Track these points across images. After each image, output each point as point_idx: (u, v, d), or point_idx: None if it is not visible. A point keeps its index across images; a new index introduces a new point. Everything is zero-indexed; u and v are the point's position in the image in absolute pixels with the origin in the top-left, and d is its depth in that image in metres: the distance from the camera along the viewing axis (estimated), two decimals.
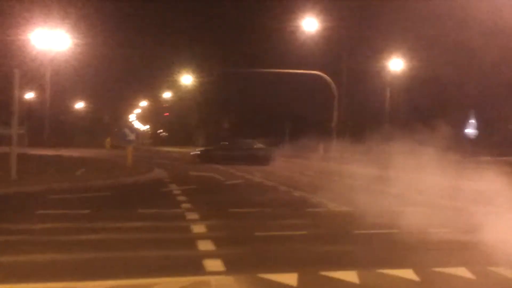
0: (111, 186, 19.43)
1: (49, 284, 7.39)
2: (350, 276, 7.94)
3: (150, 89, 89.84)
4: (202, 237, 10.55)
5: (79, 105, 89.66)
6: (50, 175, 21.78)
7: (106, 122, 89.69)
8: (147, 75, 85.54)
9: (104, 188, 18.74)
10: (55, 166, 25.84)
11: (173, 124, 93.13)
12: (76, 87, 73.77)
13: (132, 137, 27.99)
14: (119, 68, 74.80)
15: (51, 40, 46.37)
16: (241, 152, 35.85)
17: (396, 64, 47.41)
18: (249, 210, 14.32)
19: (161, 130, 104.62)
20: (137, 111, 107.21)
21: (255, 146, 37.08)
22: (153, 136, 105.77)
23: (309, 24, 41.16)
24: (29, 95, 64.12)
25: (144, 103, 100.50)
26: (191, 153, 39.28)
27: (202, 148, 40.03)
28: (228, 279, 7.77)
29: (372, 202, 15.02)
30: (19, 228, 11.22)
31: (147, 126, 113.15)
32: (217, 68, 59.11)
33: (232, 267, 8.29)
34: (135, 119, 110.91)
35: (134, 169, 25.80)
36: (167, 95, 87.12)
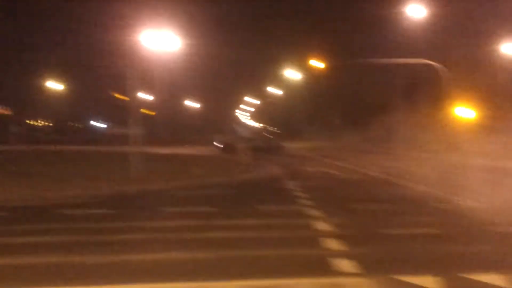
0: (228, 183, 19.50)
1: (172, 285, 7.30)
2: (495, 279, 7.28)
3: (260, 86, 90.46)
4: (325, 235, 10.20)
5: (190, 103, 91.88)
6: (170, 173, 22.23)
7: (216, 120, 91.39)
8: (257, 72, 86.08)
9: (221, 185, 18.83)
10: (172, 164, 26.41)
11: (282, 120, 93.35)
12: (187, 86, 75.60)
13: (244, 134, 28.13)
14: (228, 66, 75.81)
15: (161, 41, 47.77)
16: (260, 144, 39.90)
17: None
18: (371, 206, 13.80)
19: (272, 127, 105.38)
20: (248, 108, 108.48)
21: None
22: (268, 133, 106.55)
23: (414, 11, 39.31)
24: (143, 95, 66.30)
25: (254, 100, 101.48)
26: (215, 143, 42.12)
27: (224, 141, 43.32)
28: (361, 281, 7.34)
29: (506, 197, 14.05)
30: (143, 226, 11.37)
31: (257, 124, 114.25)
32: (325, 60, 58.38)
33: (364, 267, 7.86)
34: (247, 116, 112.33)
35: (249, 166, 25.87)
36: (273, 90, 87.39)
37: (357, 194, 16.67)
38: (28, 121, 78.92)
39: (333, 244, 9.38)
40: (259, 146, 41.89)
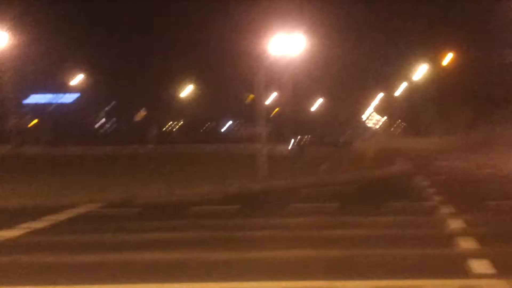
0: (356, 180, 19.16)
1: (302, 283, 7.16)
2: None
3: (386, 81, 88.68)
4: (461, 233, 9.67)
5: (317, 104, 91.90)
6: (296, 170, 22.26)
7: (343, 119, 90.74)
8: (383, 67, 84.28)
9: (349, 181, 18.54)
10: (300, 161, 26.45)
11: (409, 115, 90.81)
12: (313, 87, 75.64)
13: (373, 130, 27.60)
14: (354, 65, 74.83)
15: (289, 44, 48.30)
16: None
17: None
18: (509, 202, 12.96)
19: (399, 121, 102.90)
20: (374, 103, 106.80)
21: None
22: (390, 128, 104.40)
23: None
24: (272, 98, 67.22)
25: (380, 95, 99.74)
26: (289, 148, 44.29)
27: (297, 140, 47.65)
28: (496, 283, 6.87)
29: None
30: (270, 223, 11.40)
31: (385, 118, 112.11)
32: (456, 54, 56.07)
33: (503, 269, 7.34)
34: (373, 111, 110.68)
35: (377, 162, 25.33)
36: (402, 85, 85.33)
37: (492, 189, 15.77)
38: (164, 123, 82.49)
39: (465, 243, 8.87)
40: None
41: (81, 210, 13.59)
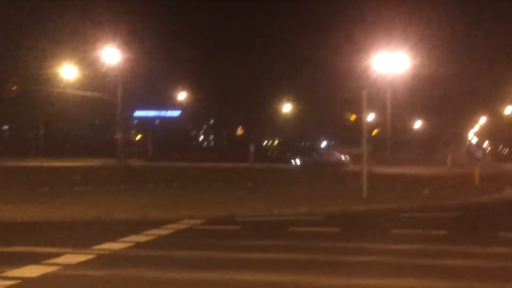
0: (461, 206, 18.28)
1: None
2: None
3: (490, 104, 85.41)
4: None
5: (417, 123, 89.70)
6: (398, 193, 21.60)
7: (443, 140, 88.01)
8: (486, 89, 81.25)
9: (453, 207, 17.71)
10: (401, 184, 25.66)
11: None
12: (413, 106, 73.99)
13: (479, 154, 26.38)
14: (455, 85, 72.54)
15: (391, 63, 47.51)
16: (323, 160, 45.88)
17: None
18: None
19: (501, 146, 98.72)
20: (476, 127, 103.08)
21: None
22: (493, 153, 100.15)
23: None
24: (371, 116, 66.29)
25: (483, 119, 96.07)
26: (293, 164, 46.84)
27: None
28: None
29: None
30: (373, 248, 10.99)
31: (486, 142, 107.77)
32: None
33: None
34: (474, 135, 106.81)
35: (482, 188, 24.14)
36: (508, 108, 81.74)
37: None
38: (262, 141, 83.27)
39: None
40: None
41: (182, 225, 13.72)
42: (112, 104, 51.74)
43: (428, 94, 71.41)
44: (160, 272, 8.78)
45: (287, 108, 79.45)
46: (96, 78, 56.11)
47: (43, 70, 57.51)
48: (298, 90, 75.53)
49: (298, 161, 47.25)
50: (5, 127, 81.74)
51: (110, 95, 51.99)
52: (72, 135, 72.52)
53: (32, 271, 8.81)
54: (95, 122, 67.84)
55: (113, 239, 11.53)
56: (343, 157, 46.70)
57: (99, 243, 11.04)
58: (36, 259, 9.60)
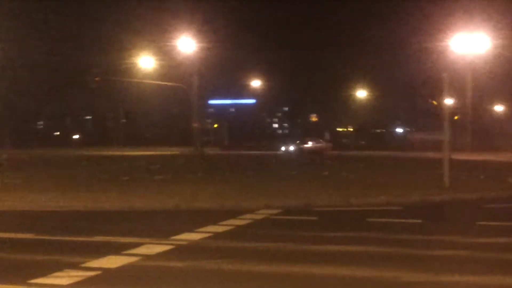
0: None
1: None
2: None
3: None
4: None
5: (499, 107, 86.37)
6: (481, 181, 20.76)
7: None
8: None
9: None
10: (484, 172, 24.68)
11: None
12: (495, 89, 71.20)
13: None
14: None
15: (471, 43, 45.71)
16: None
17: None
18: None
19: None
20: None
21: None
22: None
23: None
24: (450, 100, 64.28)
25: None
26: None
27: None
28: None
29: None
30: (458, 241, 10.53)
31: None
32: None
33: None
34: None
35: None
36: None
37: None
38: (335, 128, 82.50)
39: None
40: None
41: (258, 216, 13.64)
42: (188, 93, 52.41)
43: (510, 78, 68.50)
44: (238, 265, 8.70)
45: (361, 94, 78.22)
46: (172, 67, 56.98)
47: (122, 61, 58.92)
48: (373, 75, 74.20)
49: (285, 149, 53.43)
50: (88, 117, 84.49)
51: (186, 84, 52.67)
52: (151, 125, 74.11)
53: (112, 261, 8.92)
54: (173, 111, 69.03)
55: (191, 229, 11.57)
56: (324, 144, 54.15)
57: (178, 234, 11.10)
58: (116, 249, 9.73)
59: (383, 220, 12.94)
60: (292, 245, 10.26)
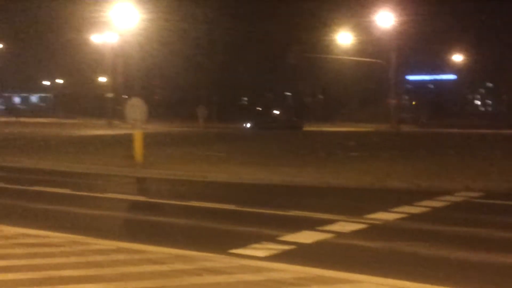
0: None
1: None
2: None
3: None
4: None
5: None
6: None
7: None
8: None
9: None
10: None
11: None
12: None
13: None
14: None
15: None
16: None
17: None
18: None
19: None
20: None
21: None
22: None
23: None
24: None
25: None
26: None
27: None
28: None
29: None
30: None
31: None
32: None
33: None
34: None
35: None
36: None
37: None
38: None
39: None
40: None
41: (457, 198, 13.02)
42: (386, 69, 51.50)
43: None
44: (433, 249, 8.41)
45: None
46: (370, 43, 56.33)
47: (320, 38, 59.54)
48: None
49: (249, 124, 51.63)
50: (288, 93, 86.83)
51: (384, 60, 51.77)
52: (347, 101, 74.16)
53: (306, 237, 9.10)
54: (370, 87, 68.33)
55: (385, 208, 11.39)
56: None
57: (372, 212, 11.00)
58: (311, 224, 9.91)
59: None
60: (493, 231, 9.67)
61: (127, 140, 23.52)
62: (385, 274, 6.87)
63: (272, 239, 8.90)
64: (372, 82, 65.63)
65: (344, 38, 56.06)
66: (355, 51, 58.13)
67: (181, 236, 9.51)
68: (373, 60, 55.08)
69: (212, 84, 71.56)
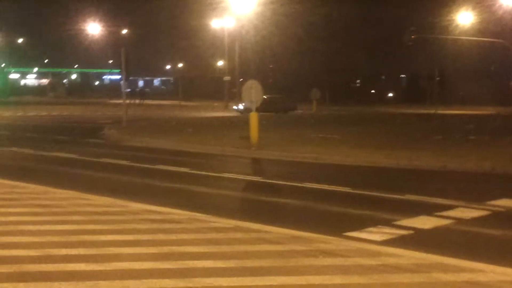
0: None
1: None
2: None
3: None
4: None
5: None
6: None
7: None
8: None
9: None
10: None
11: None
12: None
13: None
14: None
15: None
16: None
17: None
18: None
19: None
20: None
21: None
22: None
23: None
24: None
25: None
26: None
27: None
28: None
29: None
30: None
31: None
32: None
33: None
34: None
35: None
36: None
37: None
38: None
39: None
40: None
41: None
42: (508, 49, 48.83)
43: None
44: None
45: None
46: (492, 22, 53.59)
47: (439, 18, 57.41)
48: None
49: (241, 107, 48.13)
50: (402, 75, 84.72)
51: (506, 39, 49.10)
52: (466, 83, 71.29)
53: (424, 222, 8.88)
54: (490, 68, 65.19)
55: (509, 195, 10.88)
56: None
57: (495, 199, 10.53)
58: (428, 209, 9.65)
59: None
60: None
61: (242, 122, 23.91)
62: (510, 264, 6.57)
63: (388, 223, 8.76)
64: (493, 63, 62.58)
65: (464, 18, 53.73)
66: (475, 31, 55.56)
67: (295, 217, 9.59)
68: (495, 40, 52.39)
69: (326, 68, 71.17)
